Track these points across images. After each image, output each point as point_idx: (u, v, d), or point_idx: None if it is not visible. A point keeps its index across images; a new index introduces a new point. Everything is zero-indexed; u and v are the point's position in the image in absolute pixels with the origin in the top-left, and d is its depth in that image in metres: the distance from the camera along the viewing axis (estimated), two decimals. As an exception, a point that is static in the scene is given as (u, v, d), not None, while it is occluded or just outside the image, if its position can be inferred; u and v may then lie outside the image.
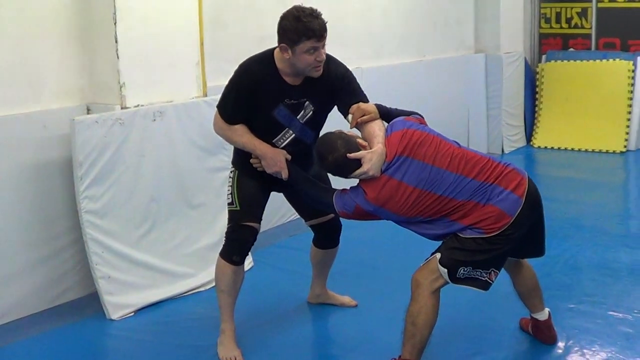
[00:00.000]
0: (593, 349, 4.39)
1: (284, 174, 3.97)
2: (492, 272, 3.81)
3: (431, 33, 9.02)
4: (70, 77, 5.03)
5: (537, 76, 10.71)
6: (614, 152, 9.94)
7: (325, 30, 3.73)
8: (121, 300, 4.87)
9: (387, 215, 3.76)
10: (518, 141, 10.38)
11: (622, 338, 4.51)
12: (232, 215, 4.21)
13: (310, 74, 3.88)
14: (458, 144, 3.85)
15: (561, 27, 10.96)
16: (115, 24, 4.84)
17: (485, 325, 4.71)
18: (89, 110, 5.03)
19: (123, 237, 4.95)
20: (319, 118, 4.09)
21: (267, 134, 4.00)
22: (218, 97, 5.22)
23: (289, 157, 3.98)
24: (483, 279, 3.80)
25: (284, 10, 6.61)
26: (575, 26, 10.83)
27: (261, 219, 4.24)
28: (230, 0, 6.15)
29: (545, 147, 10.34)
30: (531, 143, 10.51)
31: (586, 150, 9.99)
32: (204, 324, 4.80)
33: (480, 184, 3.70)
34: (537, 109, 10.68)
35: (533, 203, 3.81)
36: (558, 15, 10.94)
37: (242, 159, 4.16)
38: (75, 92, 5.05)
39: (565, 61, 10.48)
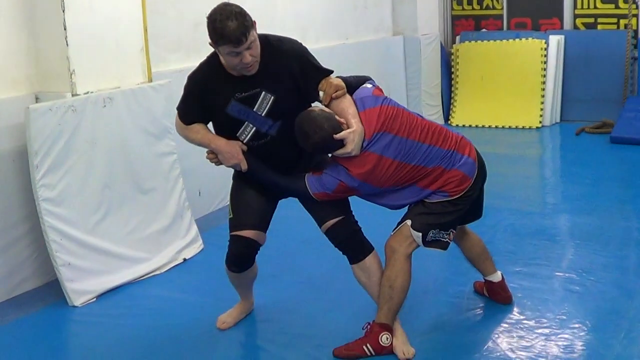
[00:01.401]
0: (547, 306, 4.63)
1: (243, 166, 3.89)
2: (451, 232, 4.09)
3: (352, 16, 9.18)
4: (16, 66, 5.00)
5: (452, 57, 11.00)
6: (530, 128, 10.28)
7: (243, 34, 3.48)
8: (82, 286, 4.88)
9: (368, 188, 3.90)
10: (437, 120, 10.58)
11: (573, 295, 4.78)
12: (229, 225, 4.12)
13: (243, 73, 3.71)
14: (420, 115, 4.03)
15: (473, 9, 11.25)
16: (63, 11, 4.83)
17: (441, 290, 4.89)
18: (37, 99, 5.00)
19: (80, 224, 4.95)
20: (282, 107, 3.82)
21: (228, 131, 3.90)
22: (162, 82, 5.33)
23: (245, 147, 3.89)
24: (444, 240, 4.05)
25: (216, -3, 6.70)
26: (487, 7, 11.13)
27: (261, 226, 4.08)
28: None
29: (463, 125, 10.62)
30: (449, 122, 10.80)
31: (503, 127, 10.30)
32: (165, 305, 4.87)
33: (445, 152, 3.93)
34: (453, 88, 10.98)
35: (482, 166, 4.11)
36: (469, -3, 11.25)
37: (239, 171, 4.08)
38: (22, 82, 5.02)
39: (479, 41, 10.79)
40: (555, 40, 10.30)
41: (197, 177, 6.30)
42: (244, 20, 3.52)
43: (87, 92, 5.03)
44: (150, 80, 5.54)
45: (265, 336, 4.43)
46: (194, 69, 3.92)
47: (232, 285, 4.45)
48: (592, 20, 10.47)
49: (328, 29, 8.66)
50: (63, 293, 4.86)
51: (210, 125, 4.03)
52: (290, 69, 3.82)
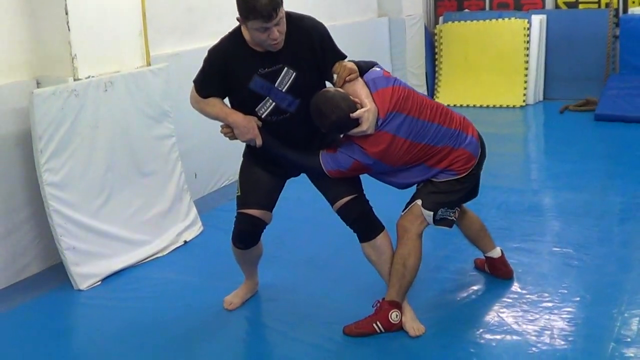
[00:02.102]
0: (548, 281, 4.73)
1: (258, 141, 3.91)
2: (457, 210, 4.20)
3: (337, -1, 9.21)
4: (17, 51, 4.99)
5: (436, 37, 11.06)
6: (514, 107, 10.38)
7: (274, 9, 3.52)
8: (87, 270, 4.90)
9: (381, 167, 3.97)
10: (422, 100, 10.69)
11: (572, 269, 4.89)
12: (236, 202, 4.19)
13: (268, 49, 3.74)
14: (428, 96, 4.10)
15: (455, -11, 11.32)
16: (65, -5, 4.84)
17: (442, 268, 4.96)
18: (38, 84, 5.00)
19: (83, 208, 4.97)
20: (303, 83, 3.86)
21: (248, 105, 3.91)
22: (161, 66, 5.35)
23: (260, 123, 3.92)
24: (451, 218, 4.16)
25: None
26: (469, -12, 11.21)
27: (268, 205, 4.14)
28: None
29: (448, 105, 10.54)
30: (434, 102, 10.83)
31: (487, 106, 10.39)
32: (169, 287, 4.91)
33: (453, 131, 4.03)
34: (437, 68, 11.04)
35: (483, 145, 4.21)
36: (452, -23, 11.30)
37: (249, 148, 4.15)
38: (23, 66, 5.01)
39: (462, 22, 10.84)
40: (538, 20, 10.39)
41: (193, 160, 6.33)
42: None
43: (89, 77, 5.03)
44: (149, 64, 5.54)
45: (274, 316, 4.48)
46: (214, 43, 3.95)
47: (238, 263, 4.50)
48: (573, -1, 10.58)
49: (317, 12, 8.59)
50: (67, 277, 4.88)
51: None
52: (312, 45, 3.86)
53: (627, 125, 8.87)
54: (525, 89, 10.42)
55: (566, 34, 10.43)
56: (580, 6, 10.54)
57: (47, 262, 5.14)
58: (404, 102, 3.89)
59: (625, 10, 10.22)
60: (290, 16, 3.81)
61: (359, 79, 3.91)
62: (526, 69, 10.40)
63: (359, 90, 3.86)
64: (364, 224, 4.11)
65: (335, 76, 3.90)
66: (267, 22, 3.57)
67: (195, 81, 4.02)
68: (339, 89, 3.88)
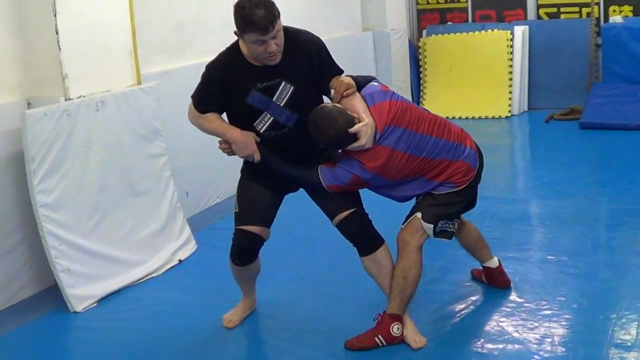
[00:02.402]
0: (545, 289, 4.75)
1: (256, 157, 3.89)
2: (456, 222, 4.21)
3: (323, 13, 9.21)
4: (7, 72, 4.96)
5: (420, 50, 11.09)
6: (499, 118, 10.42)
7: (270, 22, 3.54)
8: (83, 292, 4.86)
9: (381, 181, 3.96)
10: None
11: (568, 277, 4.91)
12: (234, 218, 4.17)
13: (266, 63, 3.74)
14: (425, 109, 4.11)
15: (438, 3, 11.38)
16: (55, 15, 4.81)
17: (440, 279, 4.96)
18: (29, 105, 4.98)
19: (77, 229, 4.93)
20: (301, 97, 3.86)
21: (246, 120, 3.91)
22: (151, 84, 5.35)
23: (258, 138, 3.90)
24: (450, 229, 4.17)
25: (197, -2, 6.72)
26: (452, 0, 11.26)
27: (266, 222, 4.13)
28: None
29: (435, 117, 10.69)
30: (419, 115, 10.86)
31: (473, 118, 10.41)
32: (166, 307, 4.88)
33: (451, 144, 4.03)
34: (422, 81, 11.07)
35: (481, 156, 4.21)
36: (434, -9, 11.36)
37: (247, 164, 4.13)
38: (14, 87, 4.98)
39: (446, 34, 10.89)
40: (520, 31, 10.46)
41: (184, 178, 6.31)
42: (271, 9, 3.57)
43: (80, 96, 5.02)
44: (140, 83, 5.53)
45: (274, 332, 4.45)
46: (212, 59, 3.95)
47: (236, 280, 4.48)
48: (555, 10, 10.66)
49: (301, 26, 8.66)
50: (62, 299, 4.83)
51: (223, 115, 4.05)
52: (309, 60, 3.87)
53: (612, 133, 8.92)
54: (510, 99, 10.47)
55: (549, 44, 10.51)
56: (562, 16, 10.62)
57: (41, 285, 5.09)
58: (401, 116, 3.89)
59: (606, 20, 10.28)
60: (287, 30, 3.81)
61: (357, 93, 3.91)
62: (510, 79, 10.45)
63: (357, 105, 3.85)
64: (364, 238, 4.10)
65: (332, 91, 3.91)
66: (264, 34, 3.57)
67: (193, 96, 4.01)
68: (337, 104, 3.87)
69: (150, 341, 4.40)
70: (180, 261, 5.60)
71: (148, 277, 5.31)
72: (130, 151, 5.38)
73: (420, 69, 11.11)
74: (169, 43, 6.47)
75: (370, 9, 10.25)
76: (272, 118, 3.88)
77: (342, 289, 4.93)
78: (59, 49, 4.88)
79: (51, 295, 5.00)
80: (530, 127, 10.12)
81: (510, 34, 10.42)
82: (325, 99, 4.01)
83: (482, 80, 10.58)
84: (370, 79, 4.06)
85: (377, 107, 3.87)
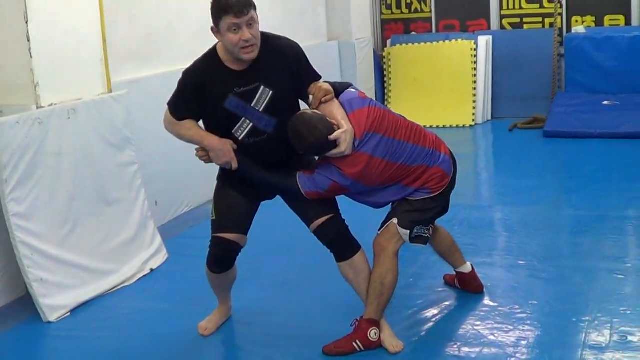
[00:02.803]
0: (518, 293, 4.80)
1: (234, 164, 3.88)
2: (431, 227, 4.24)
3: (289, 23, 9.22)
4: (-23, 80, 4.92)
5: (384, 60, 11.18)
6: (463, 127, 10.53)
7: (245, 6, 3.60)
8: (56, 301, 4.81)
9: (359, 187, 3.98)
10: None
11: (539, 282, 4.98)
12: (211, 226, 4.14)
13: (242, 57, 3.72)
14: (402, 116, 4.14)
15: (402, 13, 11.48)
16: (27, 23, 4.77)
17: (413, 285, 4.99)
18: (0, 113, 4.92)
19: (49, 238, 4.89)
20: (280, 102, 3.86)
21: (224, 126, 3.89)
22: (122, 92, 5.34)
23: (235, 146, 3.89)
24: (425, 235, 4.20)
25: (167, 7, 6.74)
26: (415, 11, 11.37)
27: (243, 229, 4.11)
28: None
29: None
30: (384, 124, 10.92)
31: (437, 127, 10.46)
32: (140, 316, 4.85)
33: (427, 150, 4.07)
34: (386, 91, 11.15)
35: (455, 163, 4.26)
36: (398, 1, 11.45)
37: (224, 171, 4.10)
38: (-16, 96, 4.95)
39: (410, 44, 10.99)
40: (484, 41, 10.59)
41: (153, 187, 6.27)
42: None
43: (52, 104, 4.97)
44: (110, 91, 5.50)
45: (250, 339, 4.44)
46: (189, 65, 3.94)
47: (212, 287, 4.46)
48: (518, 20, 10.82)
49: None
50: (35, 309, 4.78)
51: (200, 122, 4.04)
52: (289, 64, 3.88)
53: (576, 141, 9.07)
54: (474, 108, 10.58)
55: (512, 53, 10.66)
56: (525, 26, 10.78)
57: (13, 295, 5.02)
58: (380, 123, 3.91)
59: (569, 30, 10.47)
60: (266, 36, 3.84)
61: (335, 100, 3.93)
62: (474, 89, 10.57)
63: (335, 111, 3.87)
64: (341, 243, 4.11)
65: (311, 97, 3.92)
66: (239, 17, 3.61)
67: (169, 103, 3.99)
68: (316, 111, 3.88)
69: (125, 350, 4.37)
70: (152, 270, 5.56)
71: (120, 286, 5.27)
72: (101, 159, 5.35)
73: (385, 79, 11.20)
74: (138, 52, 6.45)
75: (336, 19, 10.31)
76: (251, 124, 3.88)
77: (317, 295, 4.94)
78: (31, 56, 4.84)
79: (24, 305, 4.94)
80: (494, 136, 10.24)
81: (474, 43, 10.54)
82: (303, 104, 4.02)
83: (446, 89, 10.70)
84: (347, 85, 4.09)
85: (355, 113, 3.89)
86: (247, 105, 3.85)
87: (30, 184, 4.78)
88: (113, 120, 5.45)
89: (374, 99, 3.89)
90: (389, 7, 11.47)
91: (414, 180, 4.04)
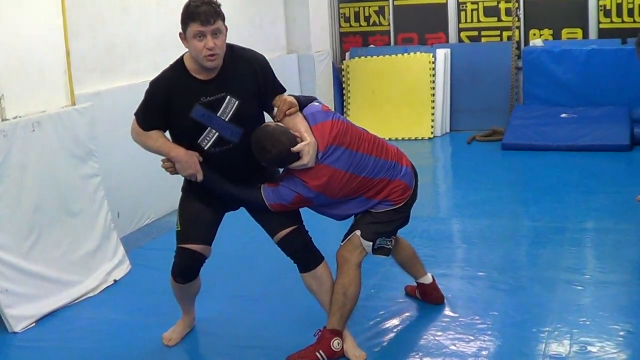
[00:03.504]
0: (478, 304, 4.89)
1: (199, 176, 3.93)
2: (393, 239, 4.33)
3: (248, 35, 9.26)
4: (-59, 93, 4.91)
5: (343, 72, 11.26)
6: (422, 139, 10.65)
7: (212, 16, 3.67)
8: (21, 312, 4.81)
9: (323, 199, 4.04)
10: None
11: (499, 293, 5.06)
12: (176, 237, 4.18)
13: (204, 64, 3.77)
14: (365, 130, 4.21)
15: (360, 25, 11.59)
16: (-10, 36, 4.80)
17: (374, 296, 5.06)
18: (-35, 125, 4.93)
19: (14, 249, 4.89)
20: (245, 112, 3.92)
21: (190, 136, 3.94)
22: (86, 105, 5.35)
23: (201, 158, 3.94)
24: (388, 246, 4.28)
25: (129, 19, 6.75)
26: (374, 24, 11.48)
27: (208, 240, 4.16)
28: (77, 11, 6.09)
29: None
30: (344, 136, 10.98)
31: (396, 139, 10.56)
32: (104, 327, 4.87)
33: (390, 163, 4.15)
34: (345, 103, 11.24)
35: (416, 175, 4.34)
36: (357, 14, 11.55)
37: (189, 183, 4.14)
38: (-52, 108, 4.93)
39: (369, 57, 11.09)
40: (442, 54, 10.71)
41: (115, 199, 6.28)
42: (216, 7, 3.73)
43: (16, 117, 4.98)
44: (74, 104, 5.52)
45: (215, 349, 4.48)
46: (156, 75, 3.98)
47: (176, 298, 4.50)
48: (476, 33, 10.96)
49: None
50: (0, 319, 4.79)
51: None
52: (254, 75, 3.95)
53: (534, 154, 9.23)
54: (432, 121, 10.71)
55: (470, 66, 10.79)
56: (483, 39, 10.93)
57: (-23, 306, 5.01)
58: (343, 136, 3.99)
59: (526, 43, 10.62)
60: (232, 47, 3.92)
61: (299, 113, 4.00)
62: (433, 101, 10.70)
63: (299, 124, 3.94)
64: (305, 255, 4.17)
65: (275, 109, 3.99)
66: (204, 25, 3.68)
67: (136, 114, 4.03)
68: (279, 123, 3.96)
69: (90, 360, 4.39)
70: (115, 281, 5.58)
71: (84, 297, 5.29)
72: (64, 171, 5.36)
73: (344, 91, 11.29)
74: (100, 64, 6.46)
75: (295, 31, 10.38)
76: (217, 134, 3.93)
77: (280, 305, 5.00)
78: (-5, 69, 4.85)
79: (-13, 316, 4.94)
80: (452, 148, 10.36)
81: (432, 56, 10.67)
82: (267, 117, 4.08)
83: (404, 102, 10.81)
84: (311, 99, 4.16)
85: (319, 126, 3.96)
86: (213, 114, 3.90)
87: (-6, 195, 4.78)
88: (77, 133, 5.47)
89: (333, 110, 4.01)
90: (347, 20, 11.57)
91: (376, 192, 4.12)
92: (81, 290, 5.29)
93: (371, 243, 4.16)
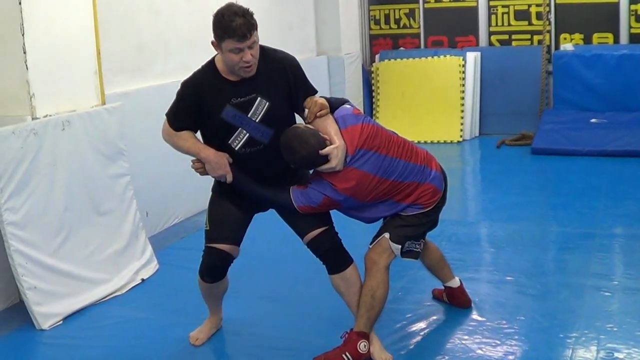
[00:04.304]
0: (505, 309, 4.85)
1: (228, 177, 3.95)
2: (422, 242, 4.30)
3: (278, 37, 9.27)
4: (-28, 91, 4.96)
5: (373, 75, 11.25)
6: (451, 142, 10.61)
7: (248, 30, 3.63)
8: (49, 309, 4.86)
9: (351, 202, 4.04)
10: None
11: (527, 297, 5.02)
12: (205, 236, 4.18)
13: (241, 74, 3.81)
14: (395, 132, 4.19)
15: (390, 28, 11.55)
16: (23, 35, 4.83)
17: (401, 299, 5.04)
18: (-5, 124, 4.98)
19: (43, 247, 4.94)
20: (276, 113, 3.92)
21: (221, 137, 3.95)
22: (116, 105, 5.39)
23: (231, 159, 3.96)
24: (416, 250, 4.26)
25: (159, 20, 6.80)
26: (404, 26, 11.45)
27: (236, 240, 4.16)
28: (108, 11, 6.14)
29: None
30: (372, 139, 10.98)
31: (425, 142, 10.53)
32: (132, 325, 4.89)
33: (419, 167, 4.14)
34: (374, 106, 11.22)
35: (445, 178, 4.32)
36: (387, 16, 11.54)
37: (219, 183, 4.15)
38: (-21, 106, 4.99)
39: (399, 59, 11.07)
40: (472, 57, 10.67)
41: (144, 198, 6.32)
42: (250, 18, 3.67)
43: (47, 116, 5.03)
44: (104, 103, 5.56)
45: (241, 349, 4.50)
46: (186, 75, 4.00)
47: (203, 297, 4.51)
48: (506, 37, 10.89)
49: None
50: (28, 317, 4.83)
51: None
52: (285, 76, 3.95)
53: (563, 159, 9.15)
54: (462, 124, 10.66)
55: (500, 70, 10.74)
56: (514, 43, 10.87)
57: (6, 302, 5.08)
58: (372, 139, 3.97)
59: (557, 47, 10.55)
60: (263, 48, 3.91)
61: (329, 115, 3.99)
62: (462, 105, 10.65)
63: (329, 126, 3.93)
64: (335, 256, 4.16)
65: (306, 111, 3.98)
66: (241, 42, 3.66)
67: (167, 114, 4.06)
68: (309, 125, 3.95)
69: (117, 358, 4.42)
70: (142, 280, 5.62)
71: (112, 296, 5.33)
72: (94, 171, 5.41)
73: (373, 94, 11.27)
74: (129, 64, 6.51)
75: (325, 33, 10.40)
76: (247, 134, 3.94)
77: (306, 306, 5.00)
78: (27, 68, 4.89)
79: (16, 312, 5.00)
80: (481, 152, 10.33)
81: (463, 60, 10.62)
82: (298, 118, 4.08)
83: (434, 105, 10.77)
84: (343, 101, 4.14)
85: (349, 129, 3.95)
86: (244, 115, 3.91)
87: (25, 193, 4.83)
88: (106, 132, 5.51)
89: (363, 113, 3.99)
90: (377, 22, 11.56)
91: (406, 196, 4.11)
92: (109, 289, 5.33)
93: (400, 246, 4.15)
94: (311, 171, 4.11)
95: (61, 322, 4.91)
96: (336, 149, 3.85)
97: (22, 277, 4.76)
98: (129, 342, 4.61)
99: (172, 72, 6.79)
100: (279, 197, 4.04)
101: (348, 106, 4.10)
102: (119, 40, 6.35)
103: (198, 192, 7.02)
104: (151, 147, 6.26)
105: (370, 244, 4.24)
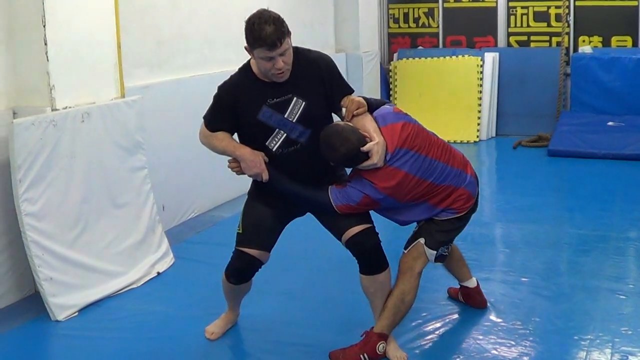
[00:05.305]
0: (521, 310, 4.84)
1: (264, 176, 3.91)
2: (450, 246, 4.31)
3: (298, 35, 9.25)
4: (-6, 81, 4.98)
5: (391, 73, 11.25)
6: (468, 142, 10.59)
7: (278, 39, 3.60)
8: (64, 301, 4.88)
9: (390, 202, 4.00)
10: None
11: (541, 299, 5.01)
12: (236, 239, 4.17)
13: (274, 80, 3.80)
14: (434, 134, 4.16)
15: (409, 27, 11.55)
16: (44, 26, 4.86)
17: (417, 298, 4.99)
18: (15, 114, 4.99)
19: (60, 239, 4.95)
20: (313, 113, 3.89)
21: (258, 138, 3.94)
22: (135, 98, 5.41)
23: (267, 158, 3.93)
24: (446, 254, 4.28)
25: (179, 14, 6.81)
26: (423, 25, 11.45)
27: (268, 246, 4.14)
28: (128, 5, 6.15)
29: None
30: (389, 137, 10.98)
31: (442, 141, 10.49)
32: (147, 318, 4.91)
33: (456, 170, 4.10)
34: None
35: (478, 184, 4.31)
36: (406, 15, 11.53)
37: (256, 187, 4.15)
38: (1, 96, 5.01)
39: (417, 59, 11.07)
40: (491, 58, 10.66)
41: (161, 192, 6.33)
42: (280, 26, 3.64)
43: (66, 107, 5.05)
44: (123, 96, 5.58)
45: (257, 345, 4.49)
46: (224, 81, 4.00)
47: (225, 295, 4.51)
48: (525, 38, 10.88)
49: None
50: (44, 307, 4.84)
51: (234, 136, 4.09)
52: (320, 76, 3.93)
53: (579, 161, 9.14)
54: (479, 124, 10.64)
55: (518, 71, 10.73)
56: (532, 44, 10.85)
57: (22, 293, 5.10)
58: (413, 139, 3.93)
59: (575, 49, 10.52)
60: (297, 49, 3.90)
61: (367, 113, 3.95)
62: (479, 105, 10.64)
63: (368, 124, 3.89)
64: (373, 257, 4.08)
65: (343, 110, 3.94)
66: (271, 50, 3.64)
67: (205, 117, 4.05)
68: (348, 123, 3.91)
69: (131, 351, 4.43)
70: (158, 273, 5.63)
71: (128, 288, 5.34)
72: (112, 163, 5.43)
73: (391, 92, 11.27)
74: (149, 58, 6.52)
75: (344, 31, 10.38)
76: (284, 135, 3.91)
77: (321, 304, 5.00)
78: (47, 60, 4.91)
79: (32, 303, 5.03)
80: (498, 153, 10.31)
81: (481, 60, 10.61)
82: (336, 117, 4.05)
83: (451, 104, 10.77)
84: (383, 102, 4.12)
85: (388, 127, 3.91)
86: (281, 116, 3.90)
87: (43, 184, 4.85)
88: (125, 125, 5.53)
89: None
90: (396, 20, 11.57)
91: (441, 200, 4.07)
92: (124, 282, 5.34)
93: (435, 252, 4.14)
94: (350, 170, 4.07)
95: (76, 313, 4.92)
96: (376, 145, 3.81)
97: (39, 268, 4.77)
98: (144, 335, 4.62)
99: (191, 67, 6.80)
100: (317, 197, 4.00)
101: (388, 107, 4.06)
102: (139, 34, 6.36)
103: (215, 187, 7.09)
104: (169, 141, 6.29)
105: (405, 248, 4.21)
